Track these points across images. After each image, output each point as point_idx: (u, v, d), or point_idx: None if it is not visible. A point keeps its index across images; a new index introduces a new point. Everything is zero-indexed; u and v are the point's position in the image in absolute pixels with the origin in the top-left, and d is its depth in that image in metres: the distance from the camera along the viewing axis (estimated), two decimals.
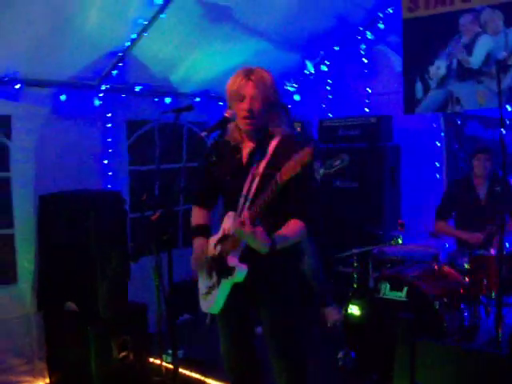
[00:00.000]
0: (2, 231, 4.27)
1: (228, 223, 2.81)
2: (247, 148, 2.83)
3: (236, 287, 2.77)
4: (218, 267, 2.79)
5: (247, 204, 2.71)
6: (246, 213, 2.55)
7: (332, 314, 5.09)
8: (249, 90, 2.68)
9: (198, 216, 3.09)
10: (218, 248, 2.83)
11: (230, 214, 2.81)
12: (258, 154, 2.75)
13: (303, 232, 2.72)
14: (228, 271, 2.71)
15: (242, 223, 2.51)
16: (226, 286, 2.77)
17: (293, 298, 2.90)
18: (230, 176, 2.86)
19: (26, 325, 4.29)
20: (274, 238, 2.59)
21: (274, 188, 2.48)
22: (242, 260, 2.70)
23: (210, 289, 2.83)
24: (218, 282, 2.78)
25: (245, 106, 2.70)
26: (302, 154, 2.37)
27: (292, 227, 2.70)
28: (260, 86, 2.69)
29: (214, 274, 2.82)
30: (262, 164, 2.67)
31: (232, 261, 2.71)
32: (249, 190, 2.73)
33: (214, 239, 2.90)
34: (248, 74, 2.71)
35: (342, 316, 4.33)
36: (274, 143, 2.73)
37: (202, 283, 2.94)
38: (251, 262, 2.68)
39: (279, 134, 2.76)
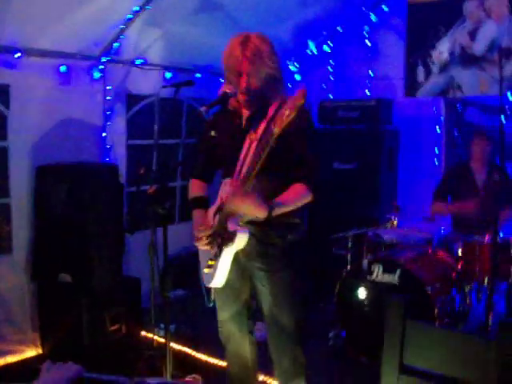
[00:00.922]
0: None
1: (225, 191, 2.77)
2: (246, 115, 2.79)
3: (237, 259, 2.76)
4: (219, 236, 2.73)
5: (244, 169, 2.62)
6: (236, 181, 2.52)
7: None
8: (245, 66, 2.62)
9: (195, 188, 3.06)
10: (217, 217, 2.79)
11: (227, 181, 2.77)
12: (256, 118, 2.68)
13: (306, 196, 2.66)
14: (229, 238, 2.66)
15: (234, 193, 2.49)
16: (227, 255, 2.72)
17: (292, 269, 2.84)
18: (228, 141, 2.82)
19: (20, 295, 4.31)
20: (272, 202, 2.54)
21: (270, 141, 2.34)
22: (242, 225, 2.67)
23: (212, 261, 2.77)
24: (220, 252, 2.73)
25: (242, 83, 2.65)
26: (294, 97, 2.27)
27: (293, 191, 2.65)
28: (256, 61, 2.61)
29: (215, 245, 2.76)
30: (260, 128, 2.58)
31: (232, 227, 2.66)
32: (246, 155, 2.66)
33: (212, 209, 2.87)
34: (243, 46, 2.63)
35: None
36: (272, 108, 2.63)
37: (203, 256, 2.90)
38: (252, 227, 2.67)
39: (278, 100, 2.65)
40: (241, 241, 2.67)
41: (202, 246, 2.83)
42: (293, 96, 2.28)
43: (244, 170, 2.60)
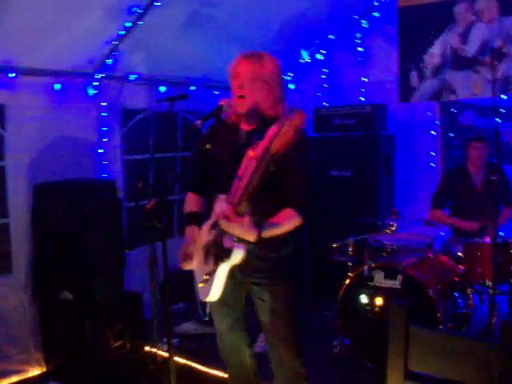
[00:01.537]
0: None
1: (219, 207, 2.75)
2: (245, 129, 2.80)
3: (232, 273, 2.77)
4: (215, 252, 2.74)
5: (240, 188, 2.61)
6: (229, 203, 2.54)
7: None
8: (242, 67, 2.68)
9: (191, 203, 3.06)
10: (213, 233, 2.78)
11: (221, 197, 2.76)
12: (256, 135, 2.66)
13: (295, 221, 2.71)
14: (225, 254, 2.67)
15: (227, 217, 2.51)
16: (222, 271, 2.73)
17: (287, 283, 2.88)
18: (225, 155, 2.82)
19: (22, 314, 4.29)
20: (262, 226, 2.58)
21: (269, 165, 2.36)
22: (238, 242, 2.67)
23: (207, 276, 2.78)
24: (215, 268, 2.73)
25: (236, 82, 2.69)
26: (293, 118, 2.30)
27: (283, 216, 2.69)
28: (255, 64, 2.67)
29: (211, 260, 2.77)
30: (261, 147, 2.53)
31: (228, 243, 2.67)
32: (243, 173, 2.63)
33: (207, 224, 2.85)
34: (247, 54, 2.71)
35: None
36: (274, 128, 2.53)
37: (199, 272, 2.90)
38: (247, 243, 2.67)
39: (279, 120, 2.58)
40: (237, 257, 2.67)
41: (188, 266, 2.86)
42: (292, 117, 2.30)
43: (240, 189, 2.58)
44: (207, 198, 3.07)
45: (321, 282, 5.53)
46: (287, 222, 2.70)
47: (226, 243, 2.67)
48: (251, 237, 2.56)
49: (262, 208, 2.61)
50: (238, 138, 2.80)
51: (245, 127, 2.80)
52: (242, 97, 2.70)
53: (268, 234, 2.62)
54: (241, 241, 2.66)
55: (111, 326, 4.18)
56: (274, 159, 2.35)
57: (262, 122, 2.71)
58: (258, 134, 2.63)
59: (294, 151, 2.41)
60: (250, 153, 2.58)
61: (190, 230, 2.95)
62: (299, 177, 2.72)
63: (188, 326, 4.80)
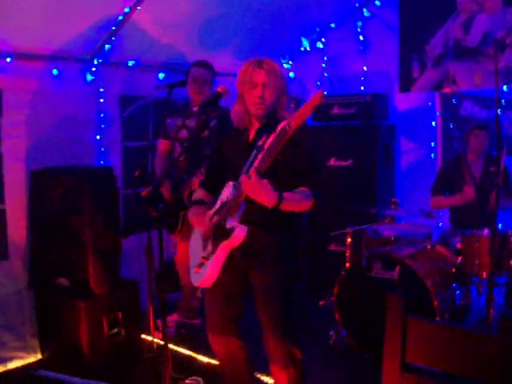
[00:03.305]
0: None
1: (226, 192, 2.82)
2: (255, 128, 2.91)
3: (230, 259, 2.78)
4: (215, 234, 2.78)
5: (259, 157, 2.66)
6: (252, 169, 2.57)
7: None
8: (261, 77, 2.80)
9: (200, 194, 3.14)
10: (215, 218, 2.82)
11: (229, 183, 2.82)
12: (265, 131, 2.76)
13: (310, 200, 2.75)
14: (225, 234, 2.70)
15: (249, 176, 2.54)
16: (222, 253, 2.75)
17: (286, 267, 2.93)
18: (235, 154, 2.94)
19: (18, 301, 4.28)
20: (281, 195, 2.62)
21: (284, 137, 2.47)
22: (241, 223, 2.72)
23: (204, 259, 2.82)
24: (214, 250, 2.77)
25: (257, 92, 2.79)
26: (313, 97, 2.43)
27: (300, 192, 2.74)
28: (271, 74, 2.81)
29: (210, 243, 2.81)
30: (269, 141, 2.63)
31: (231, 223, 2.71)
32: (252, 161, 2.70)
33: (212, 211, 2.89)
34: (259, 63, 2.82)
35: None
36: (283, 124, 2.67)
37: (195, 254, 2.94)
38: (250, 226, 2.71)
39: (286, 117, 2.73)
40: (238, 237, 2.68)
41: (194, 246, 2.92)
42: (312, 96, 2.44)
43: (259, 158, 2.62)
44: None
45: (318, 271, 5.53)
46: (304, 199, 2.75)
47: (229, 223, 2.71)
48: (271, 200, 2.58)
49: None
50: (248, 137, 2.92)
51: (255, 124, 2.92)
52: (261, 103, 2.82)
53: (286, 204, 2.63)
54: (243, 222, 2.70)
55: (107, 313, 4.16)
56: (292, 132, 2.46)
57: (272, 118, 2.85)
58: (267, 129, 2.74)
59: (305, 136, 2.63)
60: (259, 146, 2.66)
61: (197, 209, 3.00)
62: (312, 161, 2.84)
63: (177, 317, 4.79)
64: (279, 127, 2.52)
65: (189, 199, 3.83)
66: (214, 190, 3.06)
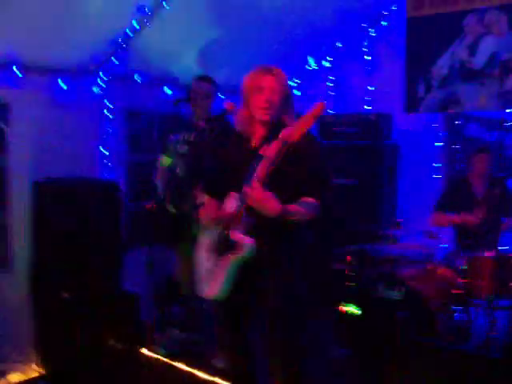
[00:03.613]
0: None
1: (230, 203, 2.78)
2: (259, 135, 2.87)
3: (241, 271, 2.75)
4: (220, 246, 2.76)
5: (262, 166, 2.65)
6: (255, 180, 2.57)
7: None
8: (269, 81, 2.78)
9: (203, 198, 3.07)
10: (219, 228, 2.79)
11: (232, 194, 2.79)
12: (270, 138, 2.74)
13: (315, 209, 2.75)
14: (232, 247, 2.69)
15: (252, 186, 2.54)
16: (231, 266, 2.72)
17: (295, 287, 2.87)
18: (238, 162, 2.86)
19: (20, 312, 4.27)
20: (284, 205, 2.62)
21: (285, 146, 2.49)
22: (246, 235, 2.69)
23: (212, 272, 2.78)
24: (222, 263, 2.74)
25: (264, 97, 2.77)
26: (314, 108, 2.44)
27: (304, 202, 2.73)
28: (280, 80, 2.81)
29: (215, 255, 2.79)
30: (271, 149, 2.62)
31: (236, 236, 2.69)
32: (254, 171, 2.68)
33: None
34: (268, 69, 2.82)
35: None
36: (284, 133, 2.66)
37: (200, 266, 2.90)
38: (256, 239, 2.68)
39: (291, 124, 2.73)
40: (246, 250, 2.67)
41: (201, 257, 2.86)
42: (313, 107, 2.47)
43: (261, 168, 2.62)
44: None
45: (321, 290, 5.50)
46: (308, 207, 2.74)
47: (234, 237, 2.69)
48: (274, 210, 2.58)
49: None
50: (251, 145, 2.87)
51: (260, 130, 2.87)
52: (268, 107, 2.78)
53: (289, 213, 2.64)
54: (248, 234, 2.68)
55: (107, 326, 4.15)
56: (295, 143, 2.49)
57: (277, 123, 2.81)
58: (271, 136, 2.72)
59: (312, 143, 2.61)
60: (263, 153, 2.65)
61: (212, 202, 2.96)
62: (318, 172, 2.81)
63: (178, 335, 4.75)
64: (280, 136, 2.54)
65: (192, 210, 3.81)
66: (217, 195, 3.00)
